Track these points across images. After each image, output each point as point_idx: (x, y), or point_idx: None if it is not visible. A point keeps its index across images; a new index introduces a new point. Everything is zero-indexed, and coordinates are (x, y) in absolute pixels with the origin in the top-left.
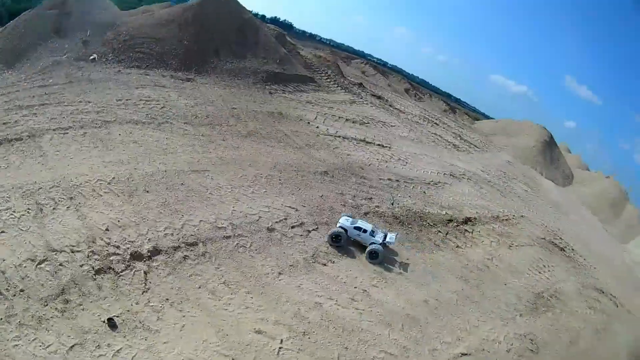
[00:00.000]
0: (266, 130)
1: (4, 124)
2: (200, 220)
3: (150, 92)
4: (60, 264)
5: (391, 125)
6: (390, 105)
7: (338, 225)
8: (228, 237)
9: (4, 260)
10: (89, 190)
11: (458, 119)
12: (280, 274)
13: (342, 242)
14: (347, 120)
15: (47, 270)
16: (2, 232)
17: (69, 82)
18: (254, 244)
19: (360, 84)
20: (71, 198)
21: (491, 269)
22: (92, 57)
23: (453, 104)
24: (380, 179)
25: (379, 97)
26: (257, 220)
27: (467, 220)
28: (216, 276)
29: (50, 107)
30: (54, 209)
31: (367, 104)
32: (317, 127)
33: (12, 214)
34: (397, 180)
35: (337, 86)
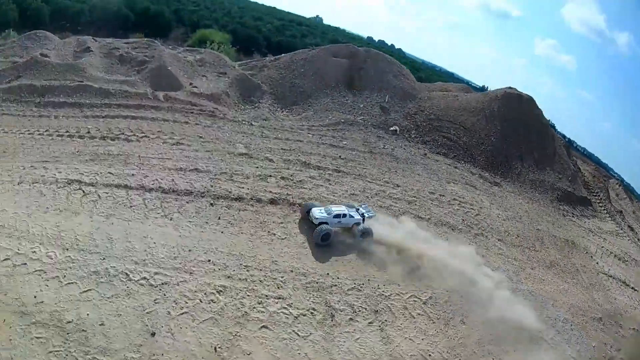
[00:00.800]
0: (564, 262)
1: (282, 178)
2: None
3: (463, 191)
4: None
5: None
6: (639, 239)
7: (317, 221)
8: None
9: None
10: (399, 307)
11: None
12: None
13: (331, 239)
14: (615, 256)
15: None
16: (263, 327)
17: (369, 152)
18: None
19: (621, 212)
20: (376, 311)
21: None
22: (393, 129)
23: None
24: (629, 328)
25: (632, 229)
26: None
27: None
28: None
29: (348, 177)
30: (351, 319)
31: (625, 236)
32: (597, 262)
33: (285, 308)
34: (638, 330)
35: (606, 213)
